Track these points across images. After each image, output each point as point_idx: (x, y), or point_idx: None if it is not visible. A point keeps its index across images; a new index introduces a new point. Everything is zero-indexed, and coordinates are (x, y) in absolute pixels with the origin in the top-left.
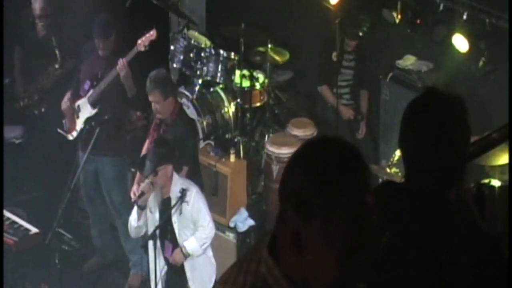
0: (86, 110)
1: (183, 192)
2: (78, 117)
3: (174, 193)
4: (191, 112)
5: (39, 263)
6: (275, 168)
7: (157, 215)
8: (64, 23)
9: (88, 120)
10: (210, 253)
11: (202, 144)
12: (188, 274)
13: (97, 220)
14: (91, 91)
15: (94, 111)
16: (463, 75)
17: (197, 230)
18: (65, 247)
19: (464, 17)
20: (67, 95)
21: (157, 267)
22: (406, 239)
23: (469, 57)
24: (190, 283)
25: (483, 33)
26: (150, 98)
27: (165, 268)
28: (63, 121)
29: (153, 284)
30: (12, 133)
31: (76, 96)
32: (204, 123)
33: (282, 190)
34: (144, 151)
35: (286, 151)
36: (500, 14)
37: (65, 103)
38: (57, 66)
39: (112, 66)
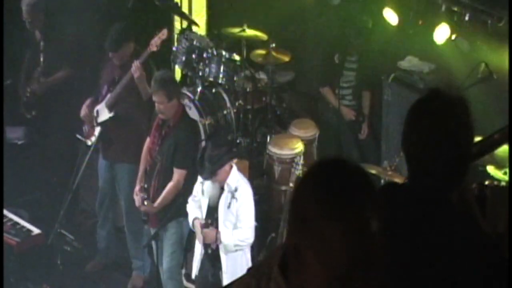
0: (103, 115)
1: (236, 190)
2: (96, 122)
3: (229, 186)
4: (193, 113)
5: (41, 263)
6: (277, 169)
7: (206, 200)
8: (58, 31)
9: (102, 124)
10: (248, 255)
11: (204, 145)
12: (224, 266)
13: (107, 223)
14: (108, 95)
15: (110, 115)
16: (464, 76)
17: (237, 228)
18: (67, 248)
19: (466, 18)
20: (87, 102)
21: (197, 250)
22: (408, 240)
23: (470, 58)
24: (223, 275)
25: (485, 34)
26: (154, 98)
27: (202, 252)
28: (83, 127)
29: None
30: (14, 134)
31: (96, 103)
32: (206, 124)
33: (290, 207)
34: (144, 149)
35: (288, 152)
36: (502, 15)
37: (83, 110)
38: (39, 69)
39: (128, 69)
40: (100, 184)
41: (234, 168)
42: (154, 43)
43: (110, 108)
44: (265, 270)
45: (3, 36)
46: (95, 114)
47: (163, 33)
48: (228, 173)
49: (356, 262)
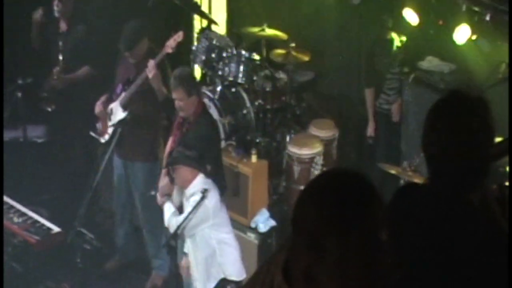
0: (118, 113)
1: (204, 194)
2: (110, 120)
3: (189, 195)
4: (212, 112)
5: (61, 262)
6: (297, 169)
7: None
8: (76, 29)
9: (118, 123)
10: (215, 234)
11: (223, 144)
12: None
13: (125, 222)
14: (123, 94)
15: (124, 114)
16: (485, 77)
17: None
18: (86, 246)
19: (487, 18)
20: (101, 99)
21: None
22: (428, 240)
23: (491, 59)
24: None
25: (505, 34)
26: (174, 95)
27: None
28: (97, 124)
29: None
30: (35, 133)
31: (110, 100)
32: (226, 123)
33: (295, 224)
34: (167, 148)
35: (307, 152)
36: None
37: (98, 107)
38: (58, 68)
39: (143, 68)
40: (115, 183)
41: (200, 176)
42: (170, 45)
43: (124, 107)
44: (266, 278)
45: (3, 36)
46: (109, 111)
47: (179, 35)
48: (187, 181)
49: (376, 273)
